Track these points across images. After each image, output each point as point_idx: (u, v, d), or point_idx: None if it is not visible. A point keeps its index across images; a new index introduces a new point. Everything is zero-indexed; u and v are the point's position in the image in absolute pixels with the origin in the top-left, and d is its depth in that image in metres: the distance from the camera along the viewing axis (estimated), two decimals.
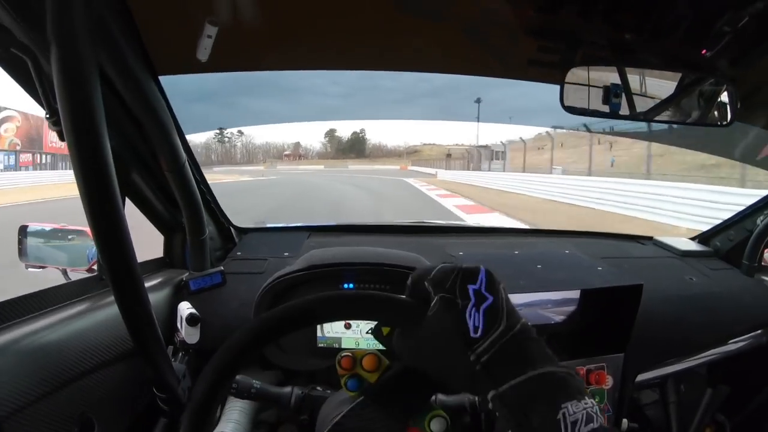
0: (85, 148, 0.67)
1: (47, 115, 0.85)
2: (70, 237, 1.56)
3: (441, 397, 0.93)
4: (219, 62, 1.22)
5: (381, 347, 0.63)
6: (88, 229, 1.48)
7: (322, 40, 1.22)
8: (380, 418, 0.64)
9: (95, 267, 1.22)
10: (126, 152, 1.13)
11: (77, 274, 1.42)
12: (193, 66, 1.20)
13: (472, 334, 0.49)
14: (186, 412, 0.54)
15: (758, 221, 1.59)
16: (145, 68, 1.00)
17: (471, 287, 0.51)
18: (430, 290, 0.53)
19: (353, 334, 1.20)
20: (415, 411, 0.64)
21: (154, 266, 1.33)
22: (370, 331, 1.21)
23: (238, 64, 1.31)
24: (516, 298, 1.21)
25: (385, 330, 0.62)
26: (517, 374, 0.47)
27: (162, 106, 1.07)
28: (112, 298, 1.02)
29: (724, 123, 1.21)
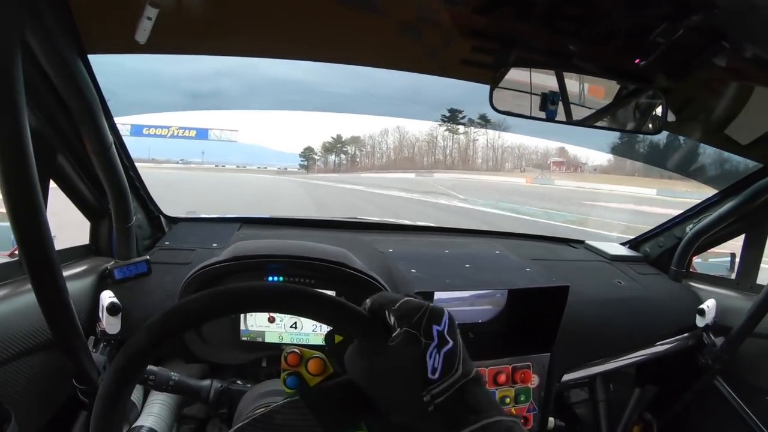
0: (2, 122, 0.64)
1: None
2: None
3: None
4: (157, 44, 1.18)
5: (306, 344, 0.62)
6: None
7: (262, 28, 1.19)
8: (309, 422, 0.64)
9: (18, 252, 1.17)
10: (51, 132, 1.08)
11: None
12: (128, 46, 1.15)
13: (429, 375, 0.50)
14: (96, 401, 0.53)
15: (687, 229, 1.65)
16: (73, 45, 0.97)
17: (435, 328, 0.52)
18: (393, 320, 0.54)
19: (277, 328, 1.18)
20: (346, 426, 0.63)
21: (78, 253, 1.28)
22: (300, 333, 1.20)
23: (177, 47, 1.27)
24: (443, 296, 1.24)
25: (338, 338, 0.63)
26: (471, 421, 0.48)
27: (88, 86, 1.03)
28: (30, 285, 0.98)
29: (654, 132, 1.24)
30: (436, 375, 0.50)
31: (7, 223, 1.39)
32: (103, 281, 1.20)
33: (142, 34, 1.09)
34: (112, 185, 1.18)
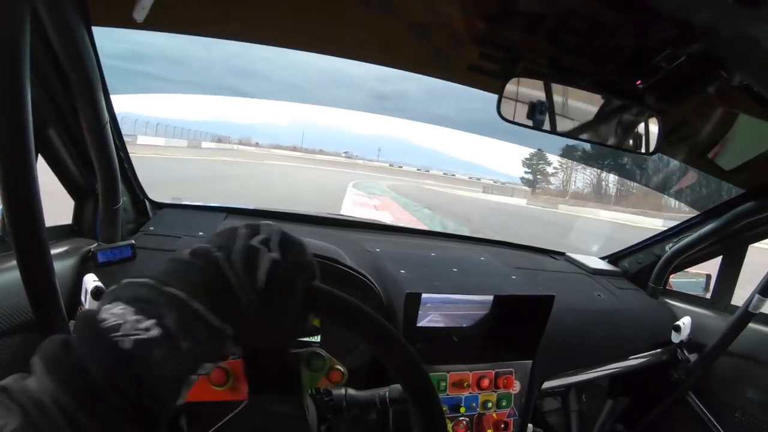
0: (3, 89, 0.62)
1: None
2: None
3: (351, 392, 0.93)
4: (157, 21, 1.14)
5: None
6: None
7: (265, 14, 1.17)
8: None
9: (3, 227, 1.13)
10: (45, 104, 1.04)
11: None
12: (130, 21, 1.12)
13: None
14: None
15: (667, 248, 1.71)
16: (80, 15, 0.92)
17: None
18: None
19: None
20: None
21: (60, 233, 1.23)
22: None
23: (176, 25, 1.24)
24: (431, 298, 1.25)
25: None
26: None
27: (91, 60, 0.99)
28: (14, 263, 0.94)
29: (648, 152, 1.28)
30: None
31: None
32: (86, 264, 1.16)
33: (141, 12, 1.05)
34: (102, 164, 1.13)
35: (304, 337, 0.65)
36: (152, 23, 1.12)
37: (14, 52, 0.61)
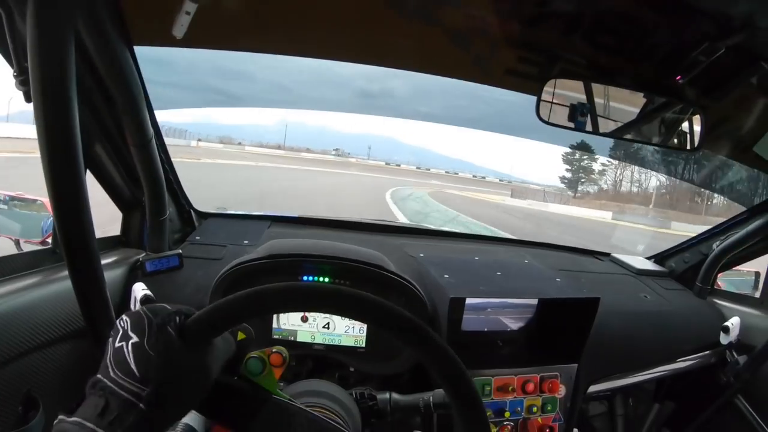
0: (52, 112, 0.65)
1: (15, 74, 0.82)
2: (25, 207, 1.50)
3: (395, 396, 0.93)
4: (195, 38, 1.18)
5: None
6: (45, 200, 1.43)
7: (303, 27, 1.19)
8: None
9: (49, 240, 1.18)
10: (91, 122, 1.08)
11: (30, 246, 1.37)
12: (169, 39, 1.16)
13: None
14: None
15: (714, 246, 1.65)
16: (121, 36, 0.97)
17: None
18: None
19: (309, 328, 1.18)
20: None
21: (108, 244, 1.28)
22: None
23: (215, 41, 1.28)
24: (475, 302, 1.24)
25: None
26: None
27: (134, 78, 1.04)
28: (65, 273, 0.98)
29: (691, 149, 1.24)
30: None
31: (41, 212, 1.40)
32: (134, 273, 1.20)
33: (179, 29, 1.09)
34: (148, 178, 1.18)
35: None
36: (191, 41, 1.16)
37: (61, 73, 0.64)
